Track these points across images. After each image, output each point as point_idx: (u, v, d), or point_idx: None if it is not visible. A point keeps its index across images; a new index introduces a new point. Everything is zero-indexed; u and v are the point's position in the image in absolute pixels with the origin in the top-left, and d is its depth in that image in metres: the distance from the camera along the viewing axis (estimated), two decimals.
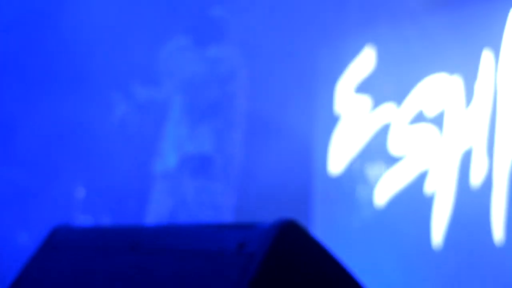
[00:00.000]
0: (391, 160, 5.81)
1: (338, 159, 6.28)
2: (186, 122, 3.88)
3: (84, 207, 5.58)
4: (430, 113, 5.55)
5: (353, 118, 6.19)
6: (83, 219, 6.20)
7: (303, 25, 6.32)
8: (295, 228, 1.90)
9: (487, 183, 5.04)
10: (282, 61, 6.20)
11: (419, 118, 5.63)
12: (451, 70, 5.42)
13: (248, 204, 6.33)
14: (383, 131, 5.91)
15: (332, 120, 6.33)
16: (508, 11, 5.02)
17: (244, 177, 5.70)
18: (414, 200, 5.59)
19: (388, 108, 5.89)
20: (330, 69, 6.45)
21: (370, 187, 5.95)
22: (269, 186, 6.37)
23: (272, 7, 6.26)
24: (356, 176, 6.10)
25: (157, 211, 3.91)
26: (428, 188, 5.46)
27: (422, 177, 5.53)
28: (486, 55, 5.13)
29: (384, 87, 5.95)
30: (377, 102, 6.00)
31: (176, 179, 3.88)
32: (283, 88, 6.26)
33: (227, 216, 3.89)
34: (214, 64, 3.88)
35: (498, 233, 4.92)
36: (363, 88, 6.15)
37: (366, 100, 6.09)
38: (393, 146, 5.81)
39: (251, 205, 6.35)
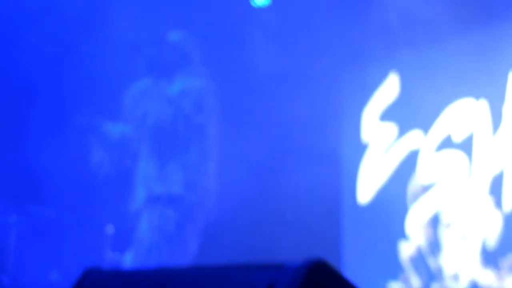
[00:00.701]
0: (421, 188, 5.72)
1: (367, 187, 6.21)
2: (154, 161, 3.85)
3: (113, 244, 5.57)
4: (458, 138, 5.47)
5: (380, 146, 6.12)
6: (112, 256, 6.21)
7: (325, 51, 6.28)
8: (324, 268, 1.86)
9: None
10: (305, 88, 6.18)
11: (447, 144, 5.55)
12: (477, 94, 5.35)
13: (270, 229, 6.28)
14: (411, 158, 5.83)
15: (360, 148, 6.27)
16: None
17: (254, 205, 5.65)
18: (445, 228, 5.49)
19: (415, 135, 5.83)
20: (355, 96, 6.41)
21: (400, 215, 5.86)
22: (298, 213, 6.31)
23: (292, 34, 6.27)
24: (385, 205, 6.01)
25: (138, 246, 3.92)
26: (459, 215, 5.37)
27: (452, 204, 5.44)
28: None
29: (410, 113, 5.89)
30: (403, 129, 5.94)
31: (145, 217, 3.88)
32: (309, 115, 6.21)
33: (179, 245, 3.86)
34: (180, 97, 3.85)
35: None
36: (389, 115, 6.09)
37: (392, 127, 6.03)
38: (422, 174, 5.73)
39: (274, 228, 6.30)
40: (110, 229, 5.90)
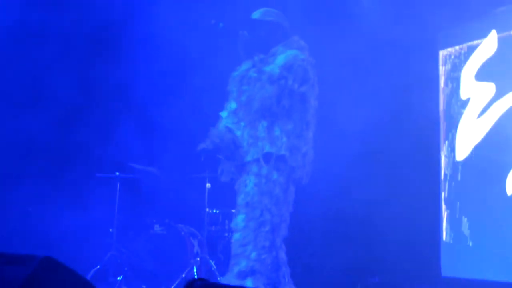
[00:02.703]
0: None
1: (465, 145, 6.16)
2: (263, 126, 4.08)
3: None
4: None
5: (479, 104, 6.04)
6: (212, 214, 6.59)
7: (424, 11, 6.21)
8: (52, 262, 2.47)
9: None
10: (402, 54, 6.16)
11: None
12: None
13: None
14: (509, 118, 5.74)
15: (460, 106, 6.21)
16: None
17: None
18: None
19: None
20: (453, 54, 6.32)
21: (500, 173, 5.80)
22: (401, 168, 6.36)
23: None
24: (484, 163, 5.96)
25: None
26: None
27: None
28: None
29: (509, 73, 5.76)
30: (504, 88, 5.83)
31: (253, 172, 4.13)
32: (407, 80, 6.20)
33: (281, 208, 4.04)
34: (284, 75, 3.97)
35: None
36: (488, 74, 5.98)
37: (492, 86, 5.92)
38: None
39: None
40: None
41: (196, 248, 6.48)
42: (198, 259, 6.38)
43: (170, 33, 6.54)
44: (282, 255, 4.11)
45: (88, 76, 6.98)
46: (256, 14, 4.26)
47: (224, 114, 4.25)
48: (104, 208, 6.58)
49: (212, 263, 6.46)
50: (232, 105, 4.17)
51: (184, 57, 6.80)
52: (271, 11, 4.31)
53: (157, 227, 6.46)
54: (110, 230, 6.49)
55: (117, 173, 6.58)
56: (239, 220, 4.09)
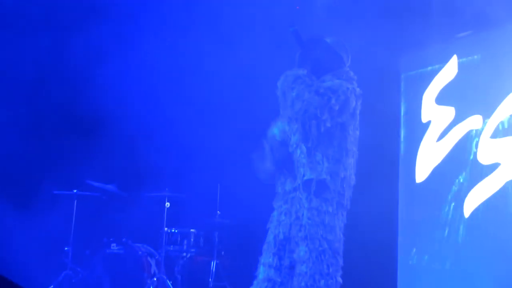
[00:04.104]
0: (479, 170, 5.62)
1: (424, 167, 6.14)
2: (304, 150, 4.13)
3: None
4: None
5: (439, 127, 6.03)
6: None
7: (388, 34, 6.22)
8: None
9: None
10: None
11: (508, 128, 5.43)
12: None
13: None
14: (470, 141, 5.73)
15: (420, 129, 6.20)
16: None
17: None
18: (504, 209, 5.39)
19: (474, 119, 5.71)
20: (415, 78, 6.32)
21: (457, 194, 5.79)
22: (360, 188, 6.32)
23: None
24: (441, 185, 5.95)
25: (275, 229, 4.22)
26: None
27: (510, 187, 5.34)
28: None
29: (470, 98, 5.77)
30: (462, 113, 5.83)
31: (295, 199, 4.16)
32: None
33: (336, 234, 4.08)
34: (328, 93, 4.06)
35: None
36: (448, 98, 5.99)
37: (451, 110, 5.92)
38: (481, 156, 5.63)
39: None
40: None
41: (154, 268, 6.35)
42: (155, 279, 6.25)
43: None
44: (339, 278, 4.16)
45: (45, 90, 6.86)
46: (328, 39, 4.37)
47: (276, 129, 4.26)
48: (60, 226, 6.43)
49: (169, 283, 6.34)
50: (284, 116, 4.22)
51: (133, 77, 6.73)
52: (341, 42, 4.41)
53: (114, 246, 6.30)
54: (66, 248, 6.32)
55: (75, 191, 6.46)
56: (302, 253, 4.08)
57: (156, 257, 6.55)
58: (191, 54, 6.90)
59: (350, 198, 4.18)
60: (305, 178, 4.07)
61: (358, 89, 4.18)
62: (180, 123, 6.91)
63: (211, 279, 6.54)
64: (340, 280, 4.11)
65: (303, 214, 4.11)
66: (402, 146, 6.39)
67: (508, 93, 5.43)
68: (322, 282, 4.02)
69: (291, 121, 4.19)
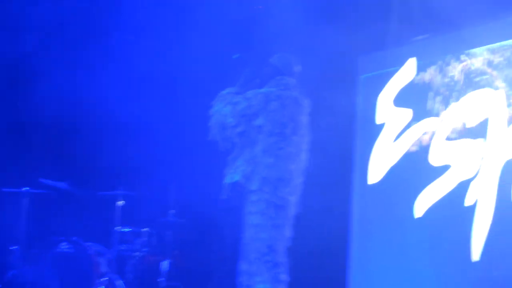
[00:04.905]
0: (432, 171, 5.63)
1: (378, 168, 6.12)
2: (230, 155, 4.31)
3: None
4: (473, 124, 5.35)
5: (394, 129, 6.02)
6: None
7: (345, 35, 6.19)
8: None
9: None
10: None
11: (462, 130, 5.44)
12: (495, 85, 5.23)
13: None
14: (425, 142, 5.74)
15: (375, 130, 6.18)
16: None
17: None
18: (454, 211, 5.40)
19: (430, 121, 5.71)
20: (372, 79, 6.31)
21: (409, 197, 5.78)
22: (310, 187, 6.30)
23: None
24: (395, 186, 5.94)
25: None
26: (469, 199, 5.28)
27: (463, 188, 5.35)
28: None
29: (426, 99, 5.78)
30: (418, 114, 5.83)
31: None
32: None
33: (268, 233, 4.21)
34: (243, 103, 4.26)
35: None
36: (406, 100, 5.98)
37: (409, 112, 5.92)
38: (434, 158, 5.63)
39: None
40: None
41: (104, 267, 6.21)
42: (106, 278, 6.11)
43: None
44: (283, 276, 4.23)
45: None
46: (273, 59, 4.52)
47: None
48: (8, 225, 6.27)
49: (121, 282, 6.21)
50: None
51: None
52: (283, 56, 4.56)
53: (63, 245, 6.12)
54: (13, 247, 6.14)
55: (25, 188, 6.29)
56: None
57: (108, 256, 6.41)
58: (143, 52, 6.80)
59: (290, 196, 4.20)
60: (224, 181, 4.18)
61: (300, 96, 4.31)
62: (134, 122, 6.79)
63: (164, 278, 6.42)
64: (283, 277, 4.12)
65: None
66: (357, 147, 6.36)
67: (461, 96, 5.46)
68: (258, 278, 4.04)
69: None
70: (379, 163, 6.10)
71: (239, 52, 4.57)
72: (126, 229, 6.58)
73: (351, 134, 6.37)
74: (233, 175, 4.14)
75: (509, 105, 5.09)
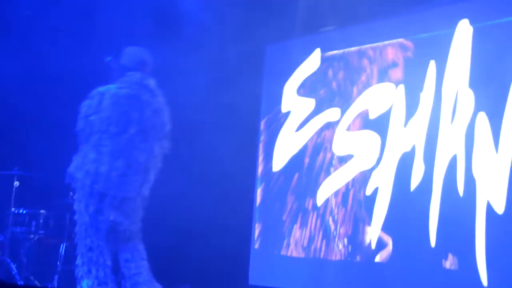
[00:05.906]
0: (334, 160, 5.75)
1: (282, 156, 6.19)
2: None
3: None
4: (374, 116, 5.51)
5: (298, 118, 6.10)
6: None
7: (252, 24, 6.20)
8: None
9: (424, 185, 5.04)
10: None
11: (363, 122, 5.59)
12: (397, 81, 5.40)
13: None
14: (328, 132, 5.85)
15: (280, 119, 6.24)
16: (455, 25, 5.03)
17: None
18: (354, 199, 5.56)
19: (332, 111, 5.84)
20: (279, 68, 6.35)
21: (311, 183, 5.89)
22: (217, 175, 6.30)
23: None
24: (296, 174, 6.03)
25: None
26: (369, 188, 5.44)
27: (364, 178, 5.50)
28: (431, 66, 5.11)
29: (331, 91, 5.89)
30: (322, 105, 5.94)
31: None
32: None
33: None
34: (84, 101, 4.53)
35: (432, 232, 4.93)
36: (310, 90, 6.07)
37: (311, 102, 6.01)
38: (336, 147, 5.76)
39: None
40: None
41: None
42: None
43: None
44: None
45: None
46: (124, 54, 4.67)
47: None
48: None
49: (14, 266, 5.96)
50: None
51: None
52: (131, 51, 4.67)
53: None
54: None
55: None
56: None
57: (0, 239, 6.13)
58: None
59: (109, 189, 4.41)
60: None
61: (141, 92, 4.47)
62: (31, 101, 6.51)
63: (60, 262, 6.19)
64: (101, 261, 4.42)
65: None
66: (262, 135, 6.40)
67: (364, 89, 5.61)
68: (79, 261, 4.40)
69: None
70: (283, 151, 6.17)
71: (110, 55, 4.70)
72: (22, 211, 6.31)
73: (256, 123, 6.41)
74: (72, 164, 4.49)
75: (408, 99, 5.28)
